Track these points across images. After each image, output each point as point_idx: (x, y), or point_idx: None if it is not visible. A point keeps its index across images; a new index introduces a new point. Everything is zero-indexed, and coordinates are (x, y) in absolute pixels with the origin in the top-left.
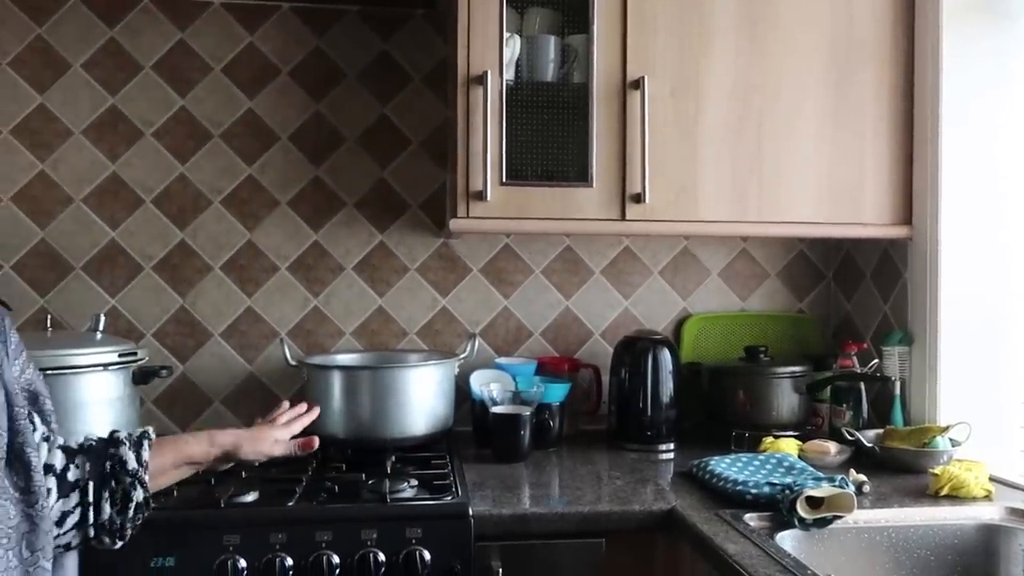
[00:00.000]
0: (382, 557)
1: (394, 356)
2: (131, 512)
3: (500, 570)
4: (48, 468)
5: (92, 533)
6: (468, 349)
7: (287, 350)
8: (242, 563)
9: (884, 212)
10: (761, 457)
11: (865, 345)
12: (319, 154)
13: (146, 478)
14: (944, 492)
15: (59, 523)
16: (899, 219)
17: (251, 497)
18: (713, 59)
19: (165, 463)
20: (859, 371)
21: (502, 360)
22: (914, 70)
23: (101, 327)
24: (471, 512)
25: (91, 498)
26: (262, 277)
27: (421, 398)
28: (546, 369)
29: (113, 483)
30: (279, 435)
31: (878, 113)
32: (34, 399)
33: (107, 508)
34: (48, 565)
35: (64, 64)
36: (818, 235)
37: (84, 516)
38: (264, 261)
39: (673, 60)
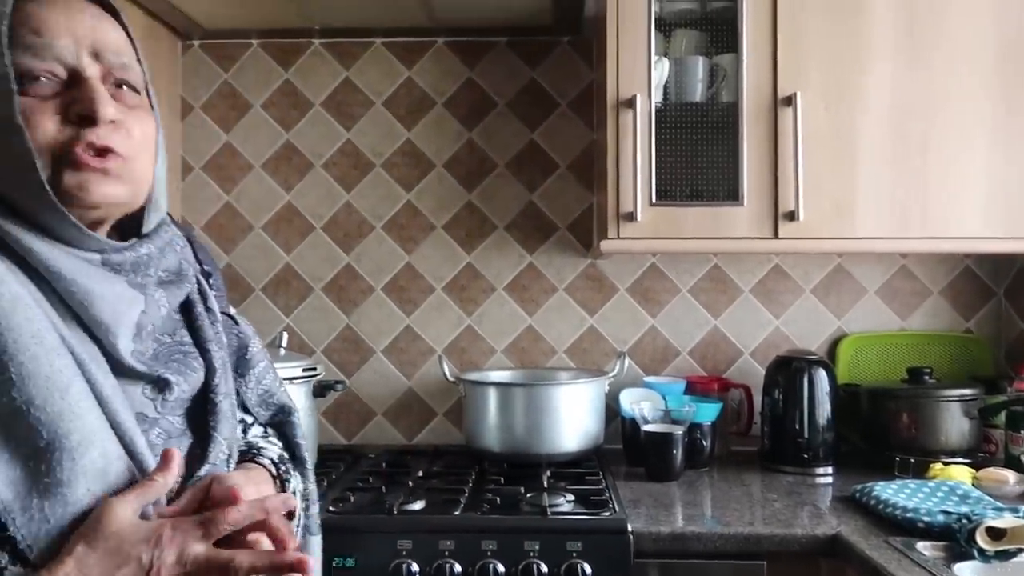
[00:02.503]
0: (545, 568)
1: (545, 374)
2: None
3: None
4: None
5: None
6: (617, 368)
7: (445, 367)
8: (415, 567)
9: None
10: (931, 484)
11: None
12: (471, 180)
13: None
14: None
15: None
16: None
17: (419, 505)
18: (870, 73)
19: None
20: None
21: (651, 379)
22: None
23: (284, 344)
24: (630, 528)
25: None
26: (419, 297)
27: (573, 415)
28: (695, 388)
29: None
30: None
31: None
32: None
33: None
34: None
35: (246, 105)
36: (988, 251)
37: None
38: (421, 282)
39: (826, 75)
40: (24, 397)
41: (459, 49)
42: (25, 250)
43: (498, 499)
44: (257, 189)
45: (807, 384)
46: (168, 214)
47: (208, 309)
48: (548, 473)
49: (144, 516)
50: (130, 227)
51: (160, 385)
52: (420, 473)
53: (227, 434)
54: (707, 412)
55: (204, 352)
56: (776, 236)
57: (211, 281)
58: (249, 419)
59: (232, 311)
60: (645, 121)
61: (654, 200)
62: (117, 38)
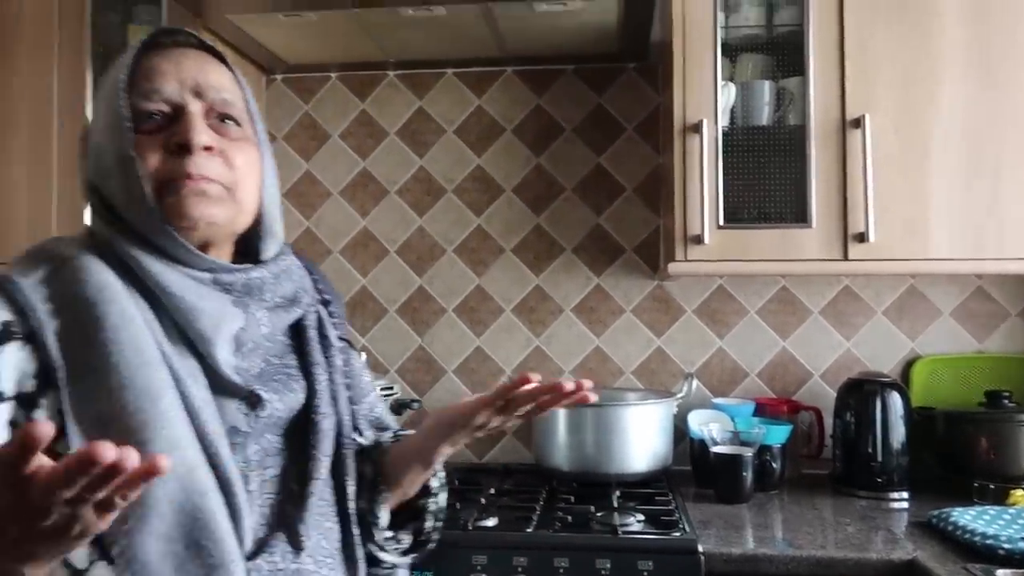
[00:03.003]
0: None
1: (614, 394)
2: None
3: None
4: None
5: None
6: (685, 389)
7: None
8: None
9: None
10: (1012, 511)
11: None
12: (540, 204)
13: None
14: None
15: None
16: None
17: (492, 522)
18: (941, 94)
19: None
20: None
21: (719, 400)
22: None
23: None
24: (701, 549)
25: None
26: (489, 319)
27: (642, 435)
28: (764, 410)
29: None
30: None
31: None
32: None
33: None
34: None
35: (325, 135)
36: None
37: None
38: (491, 304)
39: (896, 97)
40: (120, 404)
41: (527, 77)
42: (141, 269)
43: (569, 517)
44: (335, 215)
45: (880, 407)
46: (290, 245)
47: (323, 336)
48: (617, 493)
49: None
50: (249, 253)
51: (252, 401)
52: (492, 490)
53: (328, 452)
54: (777, 434)
55: (308, 375)
56: (846, 258)
57: (330, 309)
58: (364, 442)
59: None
60: (712, 145)
61: (721, 223)
62: (219, 77)
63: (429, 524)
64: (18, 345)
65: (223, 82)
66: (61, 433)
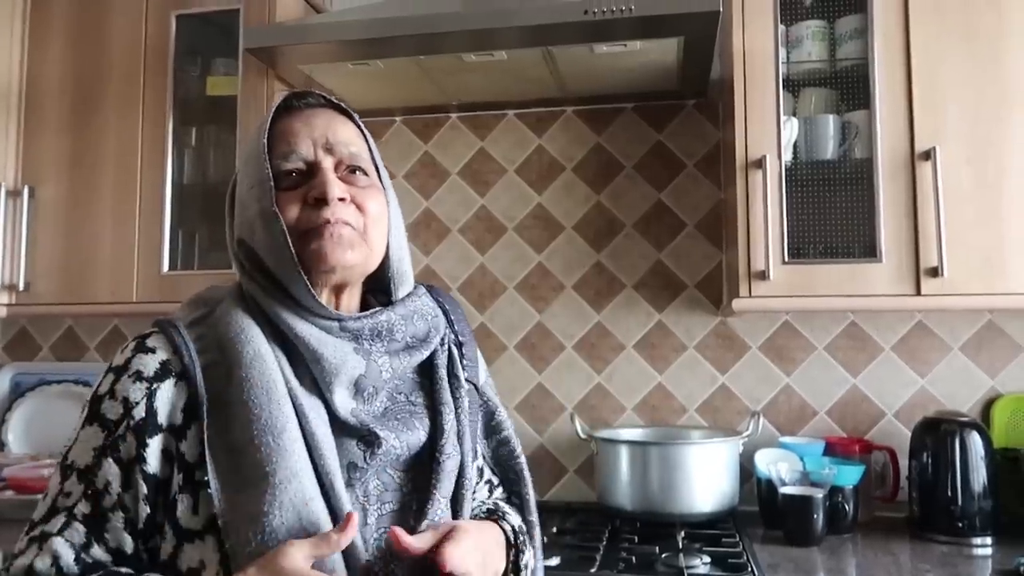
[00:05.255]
0: None
1: (678, 432)
2: None
3: None
4: None
5: None
6: (751, 427)
7: (578, 424)
8: None
9: None
10: None
11: None
12: (600, 240)
13: None
14: None
15: None
16: None
17: (555, 561)
18: (1014, 121)
19: None
20: None
21: (787, 439)
22: None
23: None
24: None
25: None
26: (550, 355)
27: (707, 475)
28: (835, 450)
29: None
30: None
31: None
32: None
33: None
34: None
35: (390, 176)
36: None
37: None
38: (552, 341)
39: (967, 128)
40: (248, 435)
41: (587, 116)
42: (277, 317)
43: (633, 558)
44: None
45: (959, 448)
46: (425, 285)
47: (453, 375)
48: (682, 534)
49: (322, 567)
50: (381, 293)
51: (369, 440)
52: (554, 529)
53: (447, 493)
54: (849, 475)
55: (435, 415)
56: (919, 293)
57: (463, 351)
58: (496, 479)
59: (482, 380)
60: (775, 180)
61: (786, 258)
62: (347, 132)
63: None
64: (172, 382)
65: (350, 136)
66: (201, 460)
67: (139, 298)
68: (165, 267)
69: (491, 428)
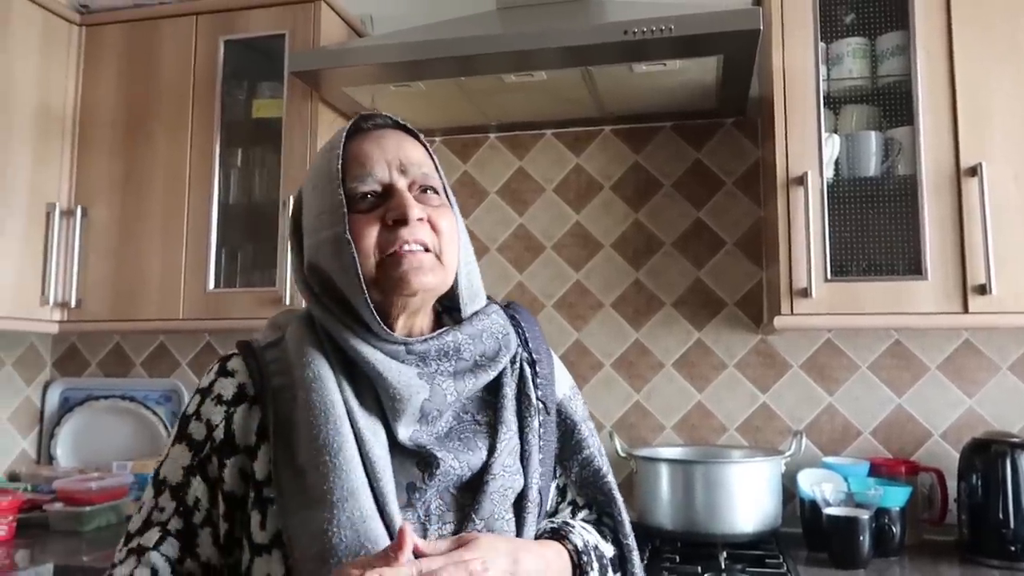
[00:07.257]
0: None
1: (718, 451)
2: None
3: None
4: None
5: None
6: (794, 447)
7: (618, 443)
8: None
9: None
10: None
11: None
12: (639, 258)
13: None
14: None
15: None
16: None
17: None
18: None
19: None
20: None
21: (830, 459)
22: None
23: None
24: None
25: None
26: (589, 374)
27: (749, 495)
28: (880, 471)
29: None
30: None
31: None
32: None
33: None
34: None
35: None
36: None
37: None
38: (590, 359)
39: (1015, 144)
40: (309, 454)
41: (625, 135)
42: (344, 341)
43: None
44: None
45: (1011, 469)
46: (504, 302)
47: (524, 394)
48: (724, 554)
49: None
50: (451, 310)
51: (427, 461)
52: None
53: (486, 515)
54: (896, 496)
55: (495, 434)
56: (966, 311)
57: (536, 369)
58: (581, 500)
59: (561, 397)
60: (817, 197)
61: (829, 276)
62: (417, 153)
63: None
64: (247, 406)
65: (420, 157)
66: (270, 478)
67: (185, 315)
68: (211, 285)
69: (572, 448)
